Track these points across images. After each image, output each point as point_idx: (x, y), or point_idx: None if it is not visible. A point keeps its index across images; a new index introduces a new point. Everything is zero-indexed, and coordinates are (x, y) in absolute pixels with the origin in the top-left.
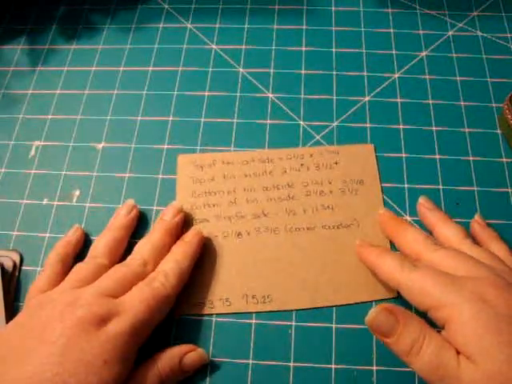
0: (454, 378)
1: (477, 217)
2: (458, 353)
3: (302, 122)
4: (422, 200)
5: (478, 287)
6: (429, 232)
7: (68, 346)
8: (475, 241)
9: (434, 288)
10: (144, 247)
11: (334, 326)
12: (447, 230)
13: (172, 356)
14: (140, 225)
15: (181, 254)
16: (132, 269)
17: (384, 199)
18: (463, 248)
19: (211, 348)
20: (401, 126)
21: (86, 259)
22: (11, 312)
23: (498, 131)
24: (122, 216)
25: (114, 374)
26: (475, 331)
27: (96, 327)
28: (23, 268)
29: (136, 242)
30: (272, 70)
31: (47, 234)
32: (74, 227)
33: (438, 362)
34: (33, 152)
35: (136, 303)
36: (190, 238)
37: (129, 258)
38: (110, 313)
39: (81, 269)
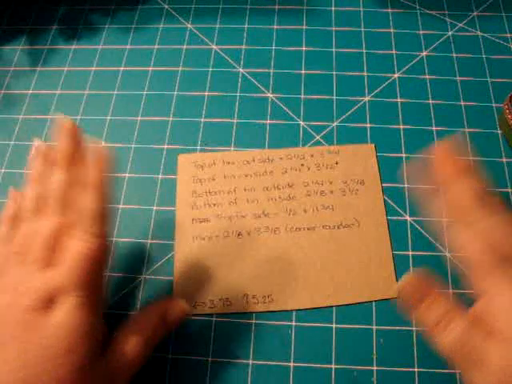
0: (480, 359)
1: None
2: (487, 334)
3: (301, 122)
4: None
5: None
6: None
7: (23, 343)
8: None
9: (493, 254)
10: (51, 193)
11: (333, 326)
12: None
13: (152, 316)
14: (137, 224)
15: (95, 184)
16: (51, 225)
17: (384, 199)
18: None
19: (211, 348)
20: (401, 126)
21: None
22: None
23: (498, 131)
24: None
25: (82, 356)
26: None
27: (44, 314)
28: None
29: None
30: (272, 70)
31: None
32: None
33: (467, 341)
34: (33, 152)
35: (71, 271)
36: (97, 161)
37: (43, 208)
38: (50, 292)
39: (21, 236)
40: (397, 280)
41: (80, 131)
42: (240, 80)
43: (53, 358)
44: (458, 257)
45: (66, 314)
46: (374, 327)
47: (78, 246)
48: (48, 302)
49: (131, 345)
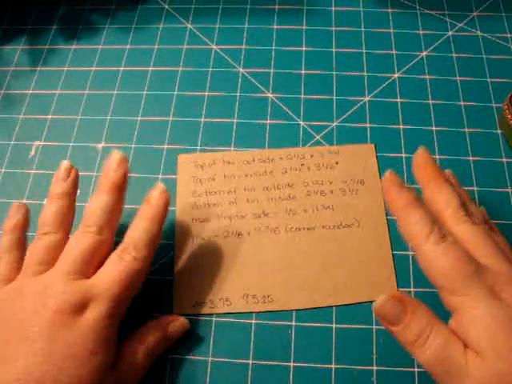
0: (460, 373)
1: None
2: (465, 347)
3: (302, 122)
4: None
5: (497, 284)
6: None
7: (50, 341)
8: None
9: (456, 272)
10: (95, 212)
11: (334, 326)
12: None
13: (154, 328)
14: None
15: (148, 219)
16: (90, 240)
17: (385, 199)
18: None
19: (211, 348)
20: (401, 126)
21: (38, 237)
22: None
23: (498, 131)
24: (60, 182)
25: (102, 360)
26: (490, 328)
27: (74, 316)
28: None
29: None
30: (272, 70)
31: None
32: (15, 206)
33: (444, 355)
34: (33, 152)
35: (110, 284)
36: (156, 201)
37: (82, 228)
38: (85, 298)
39: (36, 249)
40: (397, 280)
41: (128, 164)
42: (240, 80)
43: (77, 356)
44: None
45: (95, 320)
46: (374, 327)
47: (122, 265)
48: (80, 307)
49: (138, 356)
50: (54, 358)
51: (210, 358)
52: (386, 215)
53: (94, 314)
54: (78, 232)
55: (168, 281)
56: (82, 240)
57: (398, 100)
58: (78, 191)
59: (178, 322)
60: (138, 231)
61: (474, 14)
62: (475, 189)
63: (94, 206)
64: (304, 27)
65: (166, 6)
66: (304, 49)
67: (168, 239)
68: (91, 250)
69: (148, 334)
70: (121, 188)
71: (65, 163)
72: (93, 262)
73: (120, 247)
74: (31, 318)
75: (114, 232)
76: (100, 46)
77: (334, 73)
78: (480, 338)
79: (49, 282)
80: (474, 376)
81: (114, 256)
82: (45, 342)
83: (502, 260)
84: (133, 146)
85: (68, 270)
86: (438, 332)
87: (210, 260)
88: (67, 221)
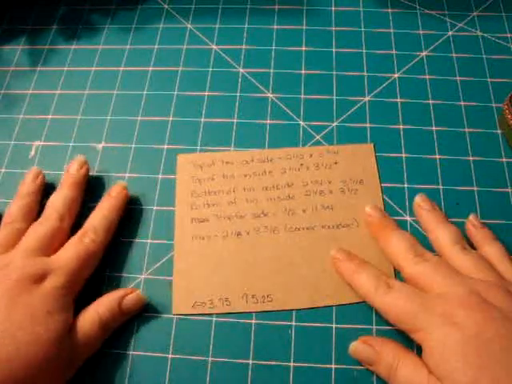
0: None
1: (471, 217)
2: (429, 373)
3: (302, 122)
4: (418, 199)
5: (448, 309)
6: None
7: (10, 303)
8: (470, 243)
9: (406, 314)
10: (57, 202)
11: (333, 326)
12: (441, 233)
13: (110, 299)
14: (137, 223)
15: (108, 208)
16: (50, 224)
17: (384, 199)
18: (453, 253)
19: (211, 348)
20: (401, 126)
21: (3, 226)
22: None
23: (498, 131)
24: (28, 183)
25: (58, 322)
26: (442, 355)
27: (34, 284)
28: None
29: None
30: (272, 70)
31: None
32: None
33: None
34: (33, 152)
35: (69, 260)
36: (115, 193)
37: (44, 215)
38: (44, 270)
39: (36, 229)
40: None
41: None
42: (240, 80)
43: (35, 315)
44: None
45: (52, 287)
46: (374, 327)
47: (82, 245)
48: (39, 277)
49: (92, 326)
50: (13, 318)
51: (209, 358)
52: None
53: (52, 282)
54: (40, 219)
55: (167, 281)
56: (43, 225)
57: (398, 100)
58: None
59: (135, 295)
60: (98, 218)
61: (474, 13)
62: (475, 189)
63: (56, 198)
64: (304, 27)
65: (166, 6)
66: (304, 49)
67: (167, 239)
68: (51, 233)
69: (103, 305)
70: (81, 186)
71: (80, 157)
72: (52, 245)
73: (80, 231)
74: None
75: (73, 222)
76: (100, 46)
77: (334, 73)
78: (437, 365)
79: (10, 258)
80: None
81: (74, 238)
82: (5, 305)
83: (460, 283)
84: (132, 145)
85: (29, 248)
86: (403, 364)
87: (210, 260)
88: (31, 214)
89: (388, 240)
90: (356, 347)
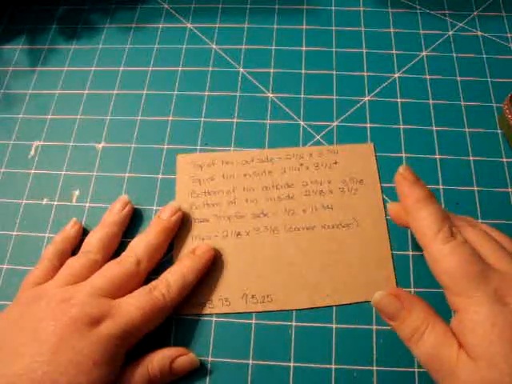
0: (450, 374)
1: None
2: (460, 346)
3: (302, 122)
4: (401, 169)
5: (503, 287)
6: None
7: (59, 344)
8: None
9: (461, 273)
10: (138, 245)
11: (334, 326)
12: (423, 215)
13: (163, 358)
14: (137, 223)
15: (188, 267)
16: (125, 267)
17: (384, 199)
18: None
19: (211, 348)
20: (401, 126)
21: (79, 254)
22: None
23: (499, 131)
24: (115, 212)
25: (103, 375)
26: (487, 335)
27: (88, 327)
28: (23, 268)
29: (129, 242)
30: (272, 70)
31: (47, 234)
32: (72, 221)
33: (436, 355)
34: (33, 152)
35: (132, 308)
36: (200, 253)
37: (123, 255)
38: (104, 314)
39: (74, 263)
40: (396, 280)
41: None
42: (240, 80)
43: (80, 364)
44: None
45: (106, 335)
46: (374, 327)
47: (150, 297)
48: (97, 320)
49: (139, 382)
50: (58, 361)
51: (209, 358)
52: (386, 215)
53: (108, 329)
54: (118, 258)
55: None
56: (119, 265)
57: (398, 100)
58: (78, 191)
59: (188, 358)
60: (177, 274)
61: (475, 13)
62: (475, 189)
63: (140, 239)
64: (304, 27)
65: (166, 6)
66: (304, 49)
67: None
68: (124, 276)
69: (155, 362)
70: (168, 233)
71: (123, 197)
72: (122, 288)
73: (153, 282)
74: (48, 320)
75: (151, 269)
76: (100, 46)
77: (334, 73)
78: (476, 343)
79: (74, 292)
80: (462, 379)
81: (145, 288)
82: (54, 344)
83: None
84: (132, 145)
85: (97, 285)
86: (433, 329)
87: None
88: (110, 247)
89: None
90: (381, 299)
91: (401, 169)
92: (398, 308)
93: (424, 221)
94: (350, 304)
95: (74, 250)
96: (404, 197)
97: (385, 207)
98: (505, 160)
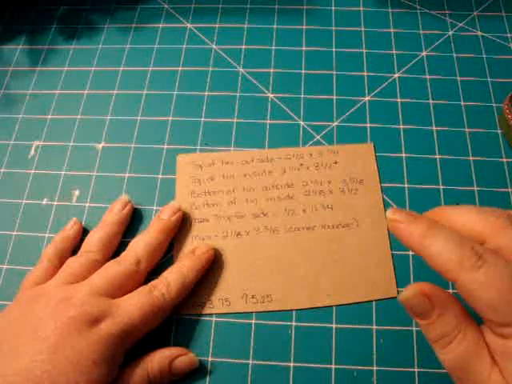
0: None
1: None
2: (495, 362)
3: (302, 122)
4: (389, 214)
5: None
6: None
7: (59, 344)
8: None
9: (502, 302)
10: (138, 245)
11: (333, 326)
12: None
13: (162, 358)
14: (137, 223)
15: (188, 267)
16: (125, 267)
17: (384, 199)
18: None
19: (211, 348)
20: (401, 126)
21: (79, 253)
22: None
23: (499, 131)
24: (115, 212)
25: (102, 374)
26: None
27: (88, 327)
28: (23, 268)
29: (129, 242)
30: (272, 70)
31: (47, 234)
32: (72, 221)
33: (464, 366)
34: (33, 152)
35: (131, 308)
36: (200, 253)
37: (122, 255)
38: (103, 313)
39: (74, 263)
40: (396, 279)
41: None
42: (240, 80)
43: (79, 363)
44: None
45: (106, 334)
46: (374, 327)
47: (150, 296)
48: (96, 320)
49: (139, 382)
50: (57, 360)
51: (209, 358)
52: (385, 215)
53: (108, 328)
54: (118, 258)
55: None
56: (119, 265)
57: (398, 100)
58: (78, 191)
59: (188, 358)
60: (177, 274)
61: (475, 13)
62: (475, 189)
63: (140, 239)
64: (304, 27)
65: (166, 6)
66: (304, 49)
67: None
68: (124, 276)
69: (154, 362)
70: (168, 233)
71: (123, 197)
72: (121, 288)
73: (153, 282)
74: (48, 319)
75: (151, 269)
76: (100, 46)
77: (334, 73)
78: None
79: (74, 292)
80: None
81: (144, 287)
82: (53, 343)
83: None
84: (132, 145)
85: (97, 285)
86: (464, 338)
87: None
88: (110, 247)
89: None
90: (411, 297)
91: (389, 214)
92: (428, 309)
93: (441, 257)
94: (350, 304)
95: (74, 249)
96: (406, 241)
97: (385, 207)
98: (505, 160)
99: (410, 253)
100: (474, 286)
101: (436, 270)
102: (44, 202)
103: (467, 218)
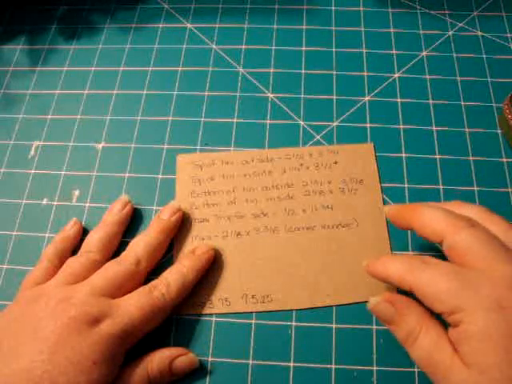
0: (443, 377)
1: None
2: (455, 350)
3: (302, 122)
4: (365, 264)
5: (496, 290)
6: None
7: (59, 344)
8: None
9: (445, 292)
10: (138, 245)
11: (333, 326)
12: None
13: (162, 358)
14: (137, 223)
15: (188, 267)
16: (125, 267)
17: (384, 199)
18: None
19: (211, 348)
20: (401, 126)
21: (79, 253)
22: None
23: (499, 131)
24: (115, 212)
25: (102, 374)
26: (482, 345)
27: (88, 327)
28: (23, 268)
29: (129, 242)
30: (272, 70)
31: (47, 234)
32: (72, 221)
33: (430, 358)
34: (33, 152)
35: (131, 308)
36: (200, 253)
37: (122, 255)
38: (103, 313)
39: (74, 263)
40: None
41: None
42: (240, 80)
43: (79, 363)
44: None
45: (106, 334)
46: (374, 327)
47: (149, 297)
48: (96, 320)
49: (139, 382)
50: (57, 360)
51: (209, 358)
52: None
53: (108, 328)
54: (118, 258)
55: None
56: (119, 265)
57: (398, 100)
58: (78, 191)
59: (187, 358)
60: (177, 274)
61: (475, 13)
62: (475, 189)
63: (140, 239)
64: (304, 27)
65: (166, 6)
66: (304, 49)
67: None
68: (124, 276)
69: (154, 362)
70: (168, 233)
71: (123, 197)
72: (121, 288)
73: (153, 282)
74: (48, 319)
75: (151, 269)
76: (100, 46)
77: (334, 73)
78: (471, 352)
79: (74, 292)
80: (455, 383)
81: (144, 287)
82: (53, 343)
83: (503, 261)
84: (132, 145)
85: (97, 285)
86: (427, 333)
87: None
88: (110, 247)
89: (421, 216)
90: (376, 304)
91: (365, 263)
92: (392, 313)
93: (397, 268)
94: (350, 304)
95: (74, 249)
96: (374, 269)
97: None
98: (505, 160)
99: (410, 253)
100: (422, 284)
101: (395, 283)
102: (44, 202)
103: (435, 216)
